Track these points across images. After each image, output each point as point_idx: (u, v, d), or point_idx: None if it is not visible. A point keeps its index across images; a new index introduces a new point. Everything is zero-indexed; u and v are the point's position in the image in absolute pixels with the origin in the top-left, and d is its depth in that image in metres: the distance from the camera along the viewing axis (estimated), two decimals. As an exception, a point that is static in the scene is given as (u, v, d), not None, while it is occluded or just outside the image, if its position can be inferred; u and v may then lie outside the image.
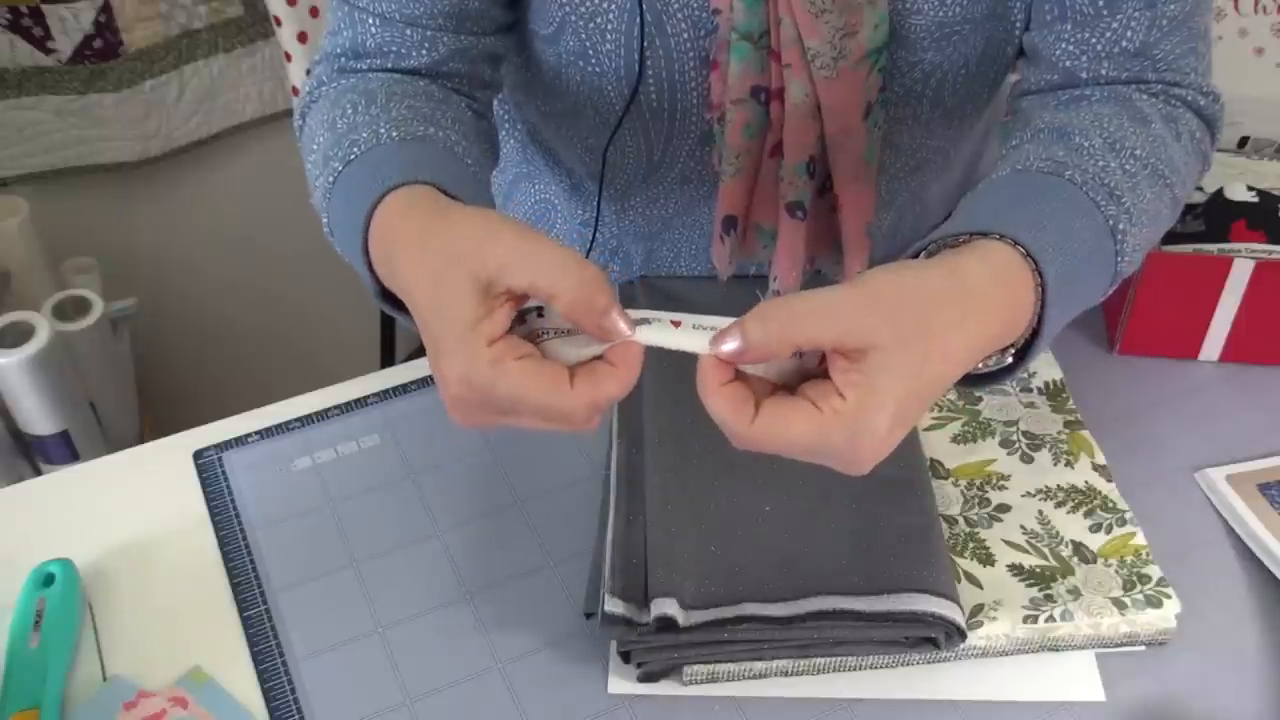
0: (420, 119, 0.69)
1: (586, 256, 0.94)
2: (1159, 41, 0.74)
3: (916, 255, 0.61)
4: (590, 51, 0.77)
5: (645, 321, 0.55)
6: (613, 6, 0.75)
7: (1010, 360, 0.61)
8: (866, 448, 0.53)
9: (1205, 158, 0.75)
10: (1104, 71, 0.75)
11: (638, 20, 0.75)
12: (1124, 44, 0.74)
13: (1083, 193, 0.63)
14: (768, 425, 0.53)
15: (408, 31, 0.75)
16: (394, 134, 0.66)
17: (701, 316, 0.55)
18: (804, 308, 0.52)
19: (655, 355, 0.81)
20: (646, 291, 0.89)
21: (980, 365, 0.60)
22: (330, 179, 0.66)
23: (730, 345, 0.52)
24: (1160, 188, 0.68)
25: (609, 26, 0.76)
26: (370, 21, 0.75)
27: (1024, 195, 0.64)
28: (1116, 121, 0.69)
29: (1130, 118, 0.70)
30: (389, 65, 0.76)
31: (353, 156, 0.65)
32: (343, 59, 0.77)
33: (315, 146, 0.70)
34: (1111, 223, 0.63)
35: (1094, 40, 0.74)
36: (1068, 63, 0.75)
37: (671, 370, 0.79)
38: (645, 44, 0.76)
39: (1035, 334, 0.60)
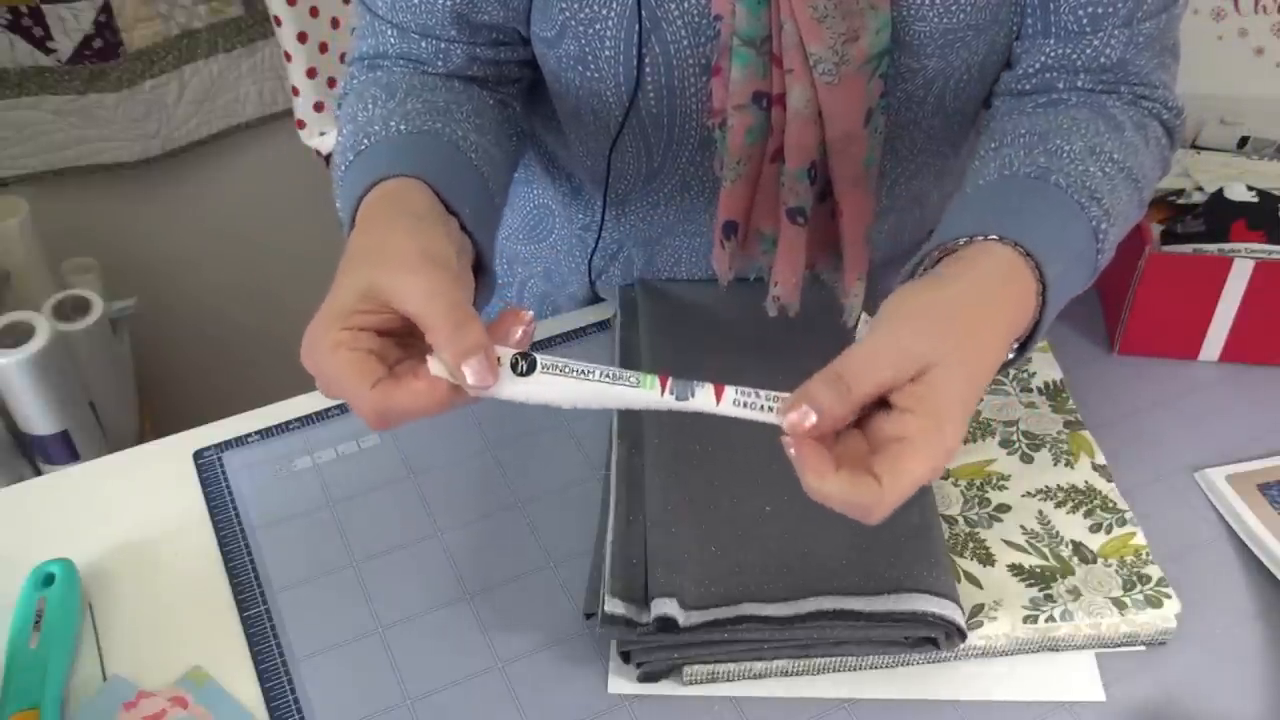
0: (433, 113, 0.72)
1: (590, 261, 0.95)
2: (1134, 57, 0.77)
3: (920, 261, 0.65)
4: (589, 57, 0.77)
5: (553, 370, 0.57)
6: (612, 13, 0.75)
7: (1012, 354, 0.65)
8: (951, 451, 0.56)
9: (1166, 164, 0.80)
10: (1080, 84, 0.78)
11: (636, 26, 0.75)
12: (1102, 60, 0.77)
13: (1068, 195, 0.67)
14: (892, 480, 0.55)
15: (423, 43, 0.78)
16: (402, 127, 0.70)
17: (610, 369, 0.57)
18: (859, 359, 0.56)
19: (652, 358, 0.81)
20: (646, 293, 0.89)
21: None
22: (342, 169, 0.70)
23: (809, 419, 0.55)
24: (1132, 190, 0.72)
25: (608, 32, 0.75)
26: (389, 32, 0.79)
27: (1015, 200, 0.68)
28: (1094, 127, 0.73)
29: (1106, 123, 0.74)
30: (411, 69, 0.79)
31: (362, 147, 0.69)
32: (370, 59, 0.80)
33: (340, 139, 0.73)
34: (1095, 223, 0.67)
35: (1074, 56, 0.77)
36: (1046, 75, 0.78)
37: (669, 371, 0.79)
38: (644, 50, 0.76)
39: (1034, 328, 0.64)
